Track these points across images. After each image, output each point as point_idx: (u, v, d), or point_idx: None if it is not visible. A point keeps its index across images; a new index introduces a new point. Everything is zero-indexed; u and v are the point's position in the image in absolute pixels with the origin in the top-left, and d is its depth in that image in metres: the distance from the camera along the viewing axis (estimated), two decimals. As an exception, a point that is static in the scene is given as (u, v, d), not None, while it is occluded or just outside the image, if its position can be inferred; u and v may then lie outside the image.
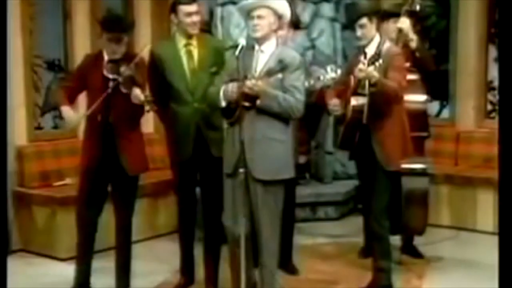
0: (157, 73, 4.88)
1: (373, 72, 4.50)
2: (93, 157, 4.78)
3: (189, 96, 4.84)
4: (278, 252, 4.48)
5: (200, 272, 5.15)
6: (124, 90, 4.57)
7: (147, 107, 4.52)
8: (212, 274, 5.05)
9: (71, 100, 4.98)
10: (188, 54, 4.87)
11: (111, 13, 5.09)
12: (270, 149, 4.31)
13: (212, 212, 4.98)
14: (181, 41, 4.89)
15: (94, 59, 4.83)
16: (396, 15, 5.49)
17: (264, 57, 4.39)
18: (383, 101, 4.67)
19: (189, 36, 4.88)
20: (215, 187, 4.95)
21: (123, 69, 4.60)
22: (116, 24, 4.71)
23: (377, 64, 4.54)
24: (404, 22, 5.38)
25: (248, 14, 4.42)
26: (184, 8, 4.80)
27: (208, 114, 4.83)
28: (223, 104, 4.39)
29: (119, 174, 4.79)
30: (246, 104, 4.26)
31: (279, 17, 4.41)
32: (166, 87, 4.88)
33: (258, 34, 4.37)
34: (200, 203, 5.10)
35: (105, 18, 4.87)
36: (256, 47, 4.42)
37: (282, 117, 4.34)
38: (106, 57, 4.73)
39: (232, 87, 4.31)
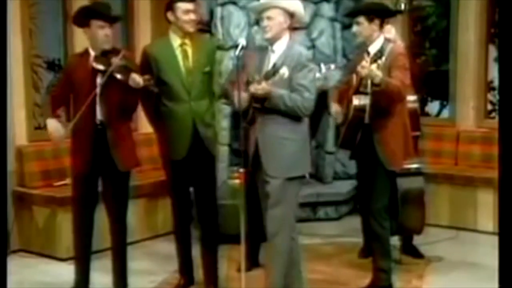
0: (150, 72, 4.86)
1: (375, 70, 4.49)
2: (85, 156, 4.74)
3: (185, 95, 4.83)
4: (287, 250, 4.45)
5: (200, 272, 5.14)
6: (119, 77, 4.54)
7: (150, 88, 4.55)
8: (211, 274, 5.03)
9: (63, 103, 4.97)
10: (183, 53, 4.86)
11: (99, 2, 5.08)
12: (282, 148, 4.37)
13: (207, 211, 4.98)
14: (176, 41, 4.88)
15: (79, 58, 4.83)
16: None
17: (274, 57, 4.42)
18: (386, 100, 4.66)
19: (184, 35, 4.86)
20: (210, 185, 4.95)
21: (113, 59, 4.59)
22: (106, 11, 4.72)
23: (379, 62, 4.53)
24: (390, 31, 5.28)
25: (258, 14, 4.49)
26: (182, 6, 4.79)
27: (203, 112, 4.85)
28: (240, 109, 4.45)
29: (111, 172, 4.76)
30: (256, 105, 4.35)
31: (291, 15, 4.42)
32: (157, 86, 4.86)
33: (269, 35, 4.41)
34: (194, 203, 5.08)
35: (96, 6, 4.86)
36: (269, 47, 4.46)
37: (292, 116, 4.37)
38: (92, 53, 4.72)
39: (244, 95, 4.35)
